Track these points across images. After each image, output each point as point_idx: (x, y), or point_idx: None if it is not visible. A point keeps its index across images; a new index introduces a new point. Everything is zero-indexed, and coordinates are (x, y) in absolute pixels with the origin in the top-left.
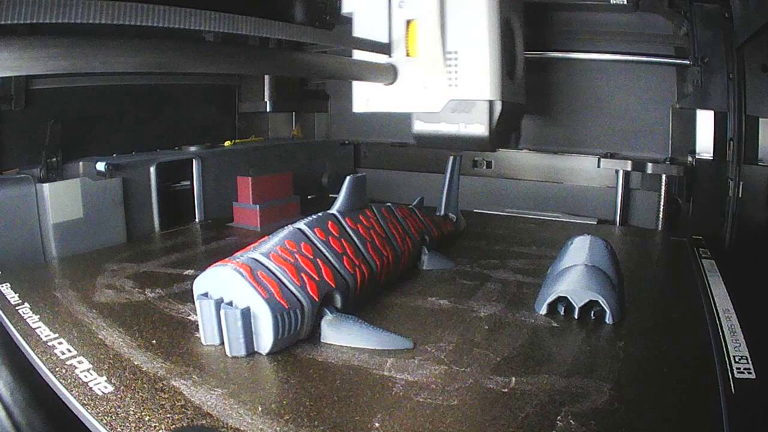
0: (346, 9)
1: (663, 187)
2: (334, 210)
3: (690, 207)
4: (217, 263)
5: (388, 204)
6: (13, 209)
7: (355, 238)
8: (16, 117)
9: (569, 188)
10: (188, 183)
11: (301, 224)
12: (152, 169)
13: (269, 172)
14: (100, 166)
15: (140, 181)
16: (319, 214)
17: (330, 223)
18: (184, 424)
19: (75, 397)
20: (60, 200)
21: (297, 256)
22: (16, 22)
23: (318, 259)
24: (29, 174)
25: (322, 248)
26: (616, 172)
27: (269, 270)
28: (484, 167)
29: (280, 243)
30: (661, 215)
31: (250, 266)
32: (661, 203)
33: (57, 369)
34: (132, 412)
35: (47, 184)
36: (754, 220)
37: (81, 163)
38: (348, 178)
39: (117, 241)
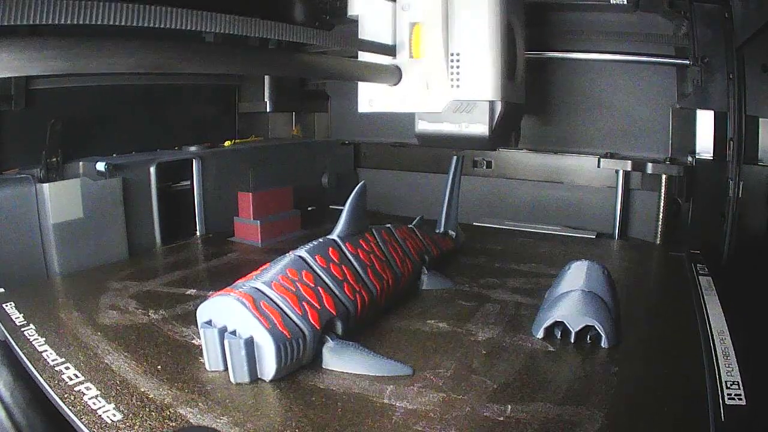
0: (352, 12)
1: (663, 187)
2: (334, 235)
3: (690, 207)
4: (220, 292)
5: (388, 225)
6: (13, 209)
7: (356, 264)
8: (16, 117)
9: (569, 188)
10: (188, 183)
11: (302, 251)
12: (152, 169)
13: (269, 172)
14: (100, 166)
15: (140, 181)
16: (320, 240)
17: (331, 249)
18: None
19: (86, 425)
20: (60, 200)
21: (298, 284)
22: (18, 23)
23: (319, 287)
24: (29, 174)
25: (323, 276)
26: (616, 172)
27: (271, 300)
28: (484, 167)
29: (282, 272)
30: (661, 216)
31: (252, 296)
32: (661, 203)
33: (66, 396)
34: None
35: (47, 184)
36: (754, 220)
37: (81, 163)
38: (349, 200)
39: (117, 242)
